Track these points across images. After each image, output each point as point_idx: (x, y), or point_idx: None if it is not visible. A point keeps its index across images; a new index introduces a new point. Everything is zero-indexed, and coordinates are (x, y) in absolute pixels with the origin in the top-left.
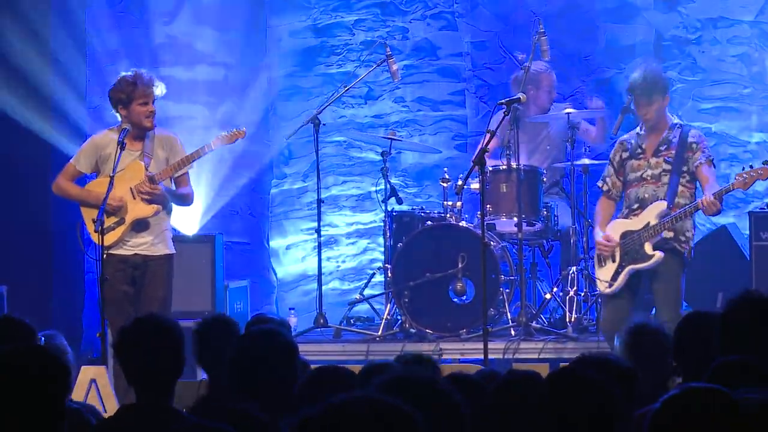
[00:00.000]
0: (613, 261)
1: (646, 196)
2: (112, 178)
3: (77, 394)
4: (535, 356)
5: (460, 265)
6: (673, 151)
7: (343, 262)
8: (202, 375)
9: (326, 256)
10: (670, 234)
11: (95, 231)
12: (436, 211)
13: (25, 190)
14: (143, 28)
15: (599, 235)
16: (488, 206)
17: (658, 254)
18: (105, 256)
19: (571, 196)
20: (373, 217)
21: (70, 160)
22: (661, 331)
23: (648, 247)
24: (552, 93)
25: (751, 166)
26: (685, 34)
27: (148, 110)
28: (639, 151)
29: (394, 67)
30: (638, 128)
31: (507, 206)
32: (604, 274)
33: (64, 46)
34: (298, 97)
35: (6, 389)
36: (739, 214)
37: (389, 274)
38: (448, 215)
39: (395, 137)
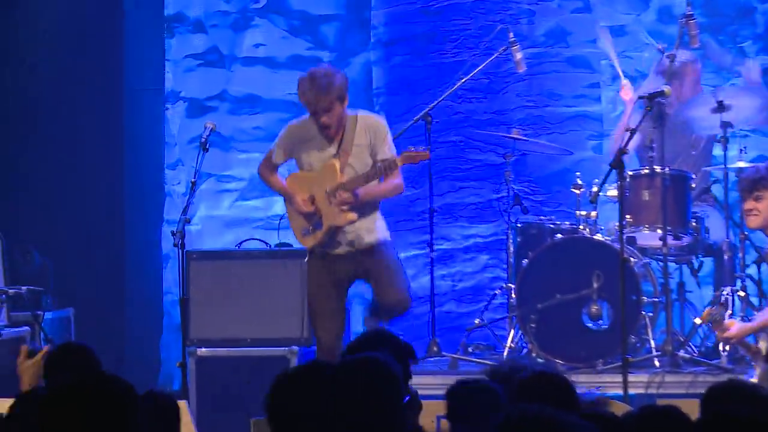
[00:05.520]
0: None
1: None
2: (194, 183)
3: None
4: (683, 391)
5: (595, 285)
6: None
7: (460, 280)
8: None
9: (440, 274)
10: None
11: (175, 240)
12: (567, 222)
13: (95, 203)
14: (234, 13)
15: None
16: (628, 216)
17: None
18: (307, 258)
19: (725, 205)
20: (495, 229)
21: (272, 146)
22: None
23: None
24: (697, 86)
25: None
26: None
27: (321, 122)
28: None
29: (519, 55)
30: None
31: (650, 217)
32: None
33: (140, 41)
34: (407, 90)
35: (73, 421)
36: None
37: (513, 295)
38: (581, 227)
39: (520, 136)
